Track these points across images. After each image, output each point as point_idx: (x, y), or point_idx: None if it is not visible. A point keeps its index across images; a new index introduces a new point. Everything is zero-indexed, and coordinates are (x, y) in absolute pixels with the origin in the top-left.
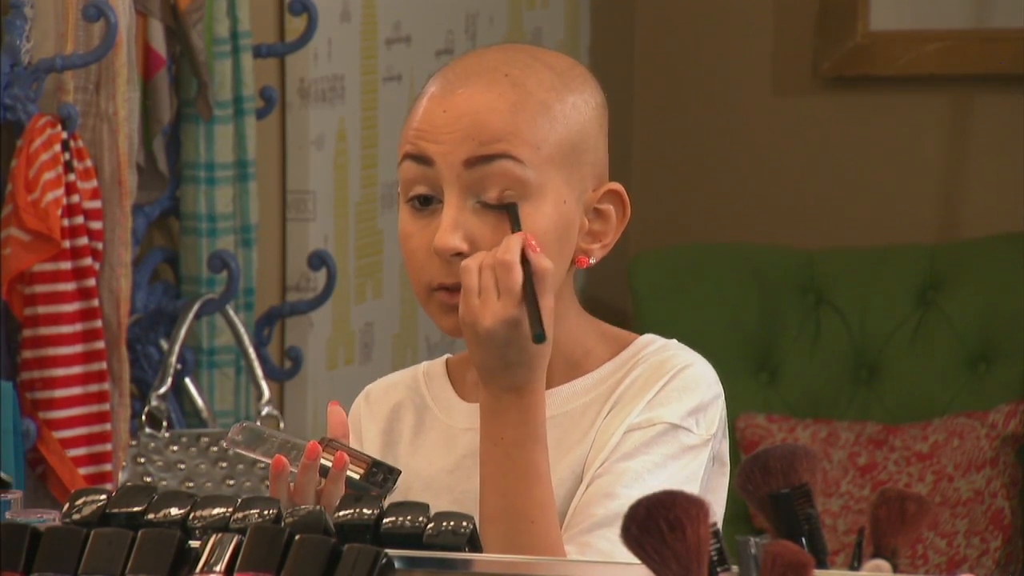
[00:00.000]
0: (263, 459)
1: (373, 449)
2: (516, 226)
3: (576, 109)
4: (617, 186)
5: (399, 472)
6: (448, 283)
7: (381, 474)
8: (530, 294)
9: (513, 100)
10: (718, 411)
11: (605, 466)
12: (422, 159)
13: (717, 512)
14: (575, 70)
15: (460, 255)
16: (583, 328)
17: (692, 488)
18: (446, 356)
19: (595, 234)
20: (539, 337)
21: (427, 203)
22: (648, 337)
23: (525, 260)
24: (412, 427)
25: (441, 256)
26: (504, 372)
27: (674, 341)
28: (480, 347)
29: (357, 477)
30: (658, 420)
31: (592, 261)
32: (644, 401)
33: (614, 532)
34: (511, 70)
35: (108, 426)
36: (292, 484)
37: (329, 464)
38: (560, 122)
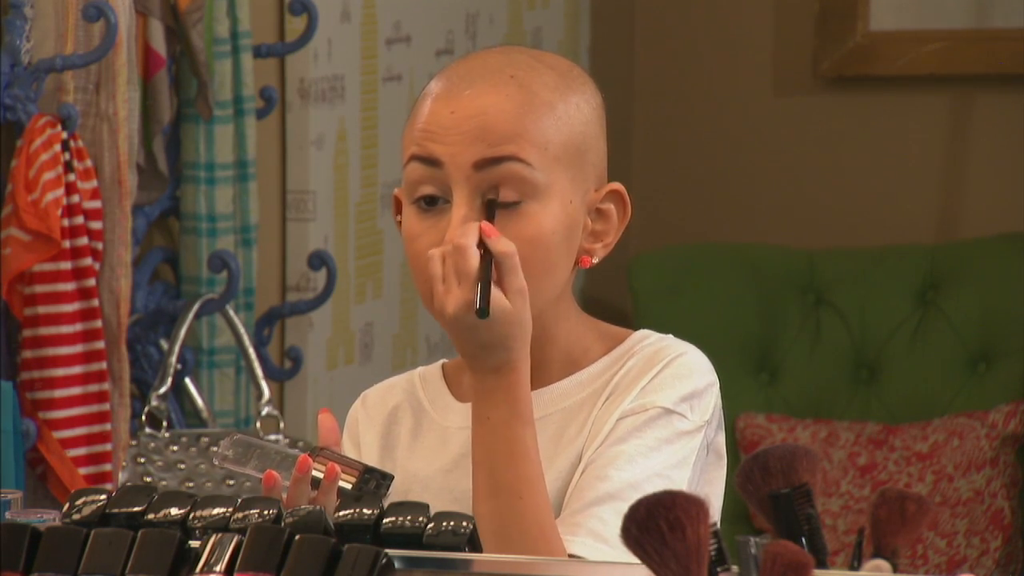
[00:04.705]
0: (254, 474)
1: (372, 453)
2: (489, 219)
3: (579, 109)
4: (618, 186)
5: (392, 477)
6: None
7: (373, 480)
8: (484, 274)
9: (520, 101)
10: (712, 399)
11: (599, 451)
12: (430, 160)
13: (715, 505)
14: (575, 71)
15: None
16: (582, 327)
17: (684, 472)
18: (442, 360)
19: (597, 234)
20: (482, 312)
21: (433, 203)
22: (643, 332)
23: (485, 247)
24: (410, 430)
25: None
26: (483, 354)
27: (669, 335)
28: (452, 333)
29: (349, 487)
30: (651, 405)
31: (595, 261)
32: (638, 388)
33: (605, 511)
34: (516, 71)
35: (108, 426)
36: (284, 496)
37: (321, 476)
38: (565, 122)
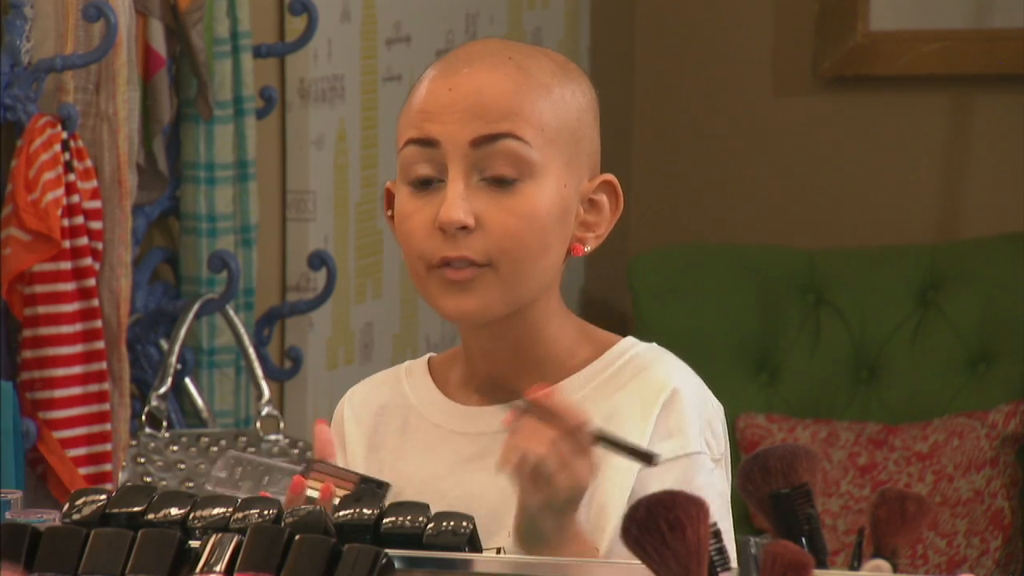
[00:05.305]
0: (248, 496)
1: (357, 452)
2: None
3: (575, 97)
4: (611, 177)
5: (388, 486)
6: (452, 256)
7: (369, 491)
8: (617, 438)
9: (518, 81)
10: (720, 421)
11: None
12: (426, 142)
13: None
14: (571, 65)
15: (465, 229)
16: (566, 326)
17: (725, 503)
18: (428, 355)
19: (589, 224)
20: (652, 457)
21: (427, 184)
22: (629, 341)
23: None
24: (398, 429)
25: (447, 230)
26: (566, 504)
27: (654, 345)
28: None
29: None
30: (680, 452)
31: (587, 250)
32: (649, 426)
33: None
34: (514, 55)
35: (108, 426)
36: None
37: (316, 494)
38: (561, 107)
